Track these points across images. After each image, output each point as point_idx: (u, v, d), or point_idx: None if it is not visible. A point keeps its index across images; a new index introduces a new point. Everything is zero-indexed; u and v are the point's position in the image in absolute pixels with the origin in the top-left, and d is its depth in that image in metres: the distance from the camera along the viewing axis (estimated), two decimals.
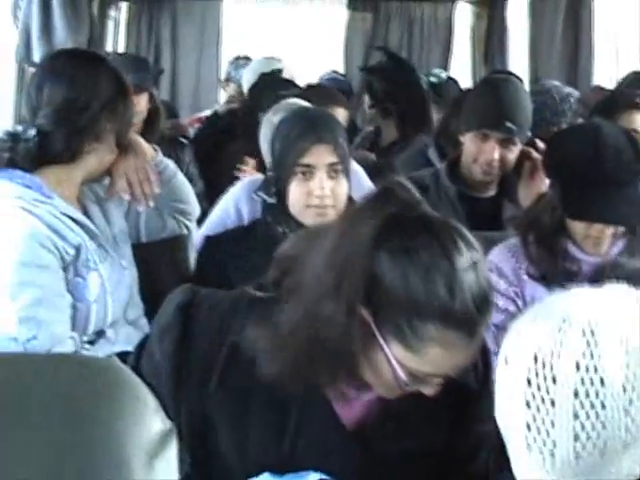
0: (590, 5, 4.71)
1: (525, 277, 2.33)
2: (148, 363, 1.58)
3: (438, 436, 1.59)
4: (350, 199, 2.32)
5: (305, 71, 5.76)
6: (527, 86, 4.79)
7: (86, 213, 2.28)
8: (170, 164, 2.53)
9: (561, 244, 2.30)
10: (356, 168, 2.73)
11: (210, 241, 2.56)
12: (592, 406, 1.12)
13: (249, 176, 3.23)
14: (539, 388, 1.14)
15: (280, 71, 4.33)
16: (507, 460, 1.24)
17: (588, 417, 1.12)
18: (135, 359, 1.62)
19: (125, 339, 2.27)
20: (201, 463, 1.55)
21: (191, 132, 4.74)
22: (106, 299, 2.21)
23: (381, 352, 1.42)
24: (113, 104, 2.18)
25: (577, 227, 2.27)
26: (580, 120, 3.47)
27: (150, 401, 0.86)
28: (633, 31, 5.21)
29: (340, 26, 6.47)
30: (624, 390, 1.13)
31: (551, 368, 1.14)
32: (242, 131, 4.15)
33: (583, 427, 1.12)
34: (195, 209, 2.65)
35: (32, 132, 2.10)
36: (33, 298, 2.04)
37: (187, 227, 2.64)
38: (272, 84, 3.96)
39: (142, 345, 1.63)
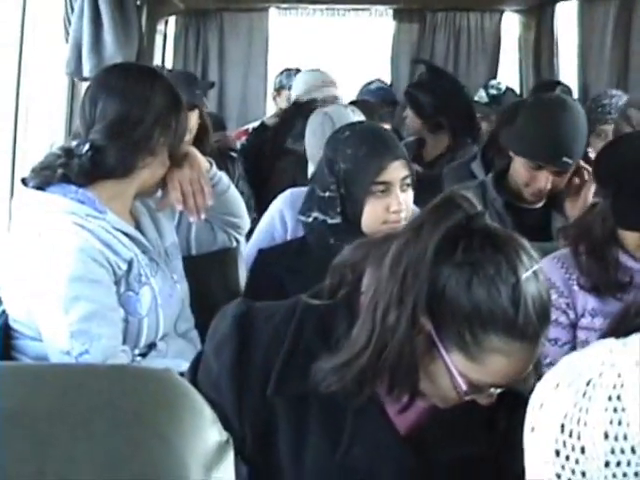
0: None
1: (576, 288, 2.31)
2: (206, 378, 1.58)
3: (491, 443, 1.59)
4: None
5: (352, 83, 5.77)
6: (576, 95, 4.79)
7: (138, 227, 2.29)
8: (224, 177, 2.54)
9: (612, 254, 2.27)
10: (415, 208, 2.69)
11: (264, 254, 2.56)
12: (625, 475, 1.08)
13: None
14: (568, 459, 1.11)
15: (315, 100, 4.29)
16: None
17: None
18: (191, 375, 1.62)
19: (176, 351, 2.28)
20: (262, 475, 1.56)
21: (238, 145, 4.77)
22: (158, 312, 2.22)
23: (441, 362, 1.43)
24: (166, 118, 2.18)
25: (629, 237, 2.25)
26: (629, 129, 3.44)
27: (207, 413, 0.87)
28: None
29: (387, 37, 6.46)
30: None
31: (579, 437, 1.10)
32: (270, 152, 4.18)
33: None
34: (246, 223, 2.65)
35: (86, 147, 2.10)
36: (85, 312, 2.04)
37: (237, 240, 2.66)
38: (305, 112, 3.94)
39: (197, 361, 1.63)
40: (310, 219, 2.43)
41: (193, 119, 3.63)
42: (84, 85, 3.55)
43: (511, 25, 6.21)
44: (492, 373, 1.43)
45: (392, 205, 2.32)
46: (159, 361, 2.21)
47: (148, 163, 2.18)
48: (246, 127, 5.11)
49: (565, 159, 2.79)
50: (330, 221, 2.39)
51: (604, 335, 1.10)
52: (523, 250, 1.43)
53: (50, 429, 0.82)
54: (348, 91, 4.54)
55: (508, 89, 4.92)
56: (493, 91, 4.47)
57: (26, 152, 3.26)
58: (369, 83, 5.68)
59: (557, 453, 1.08)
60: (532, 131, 2.87)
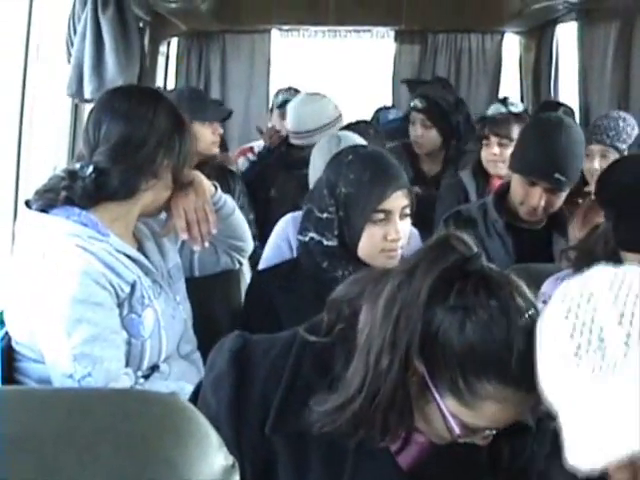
0: None
1: None
2: (204, 414, 1.57)
3: (495, 474, 1.58)
4: None
5: (353, 104, 5.78)
6: (577, 117, 4.80)
7: (141, 249, 2.29)
8: (229, 200, 2.54)
9: None
10: (414, 230, 2.70)
11: (259, 274, 2.58)
12: None
13: None
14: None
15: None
16: None
17: None
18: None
19: (178, 373, 2.28)
20: None
21: (243, 160, 4.83)
22: (160, 334, 2.22)
23: (435, 405, 1.42)
24: (169, 140, 2.18)
25: (631, 259, 2.25)
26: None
27: (213, 437, 0.87)
28: None
29: (388, 59, 6.49)
30: None
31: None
32: (273, 178, 4.21)
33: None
34: (250, 246, 2.66)
35: (89, 169, 2.11)
36: (88, 335, 2.03)
37: (240, 262, 2.66)
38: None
39: (196, 394, 1.62)
40: (307, 238, 2.43)
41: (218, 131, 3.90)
42: (87, 107, 3.56)
43: (512, 47, 6.24)
44: (486, 418, 1.41)
45: (390, 233, 2.32)
46: (161, 383, 2.21)
47: (151, 185, 2.18)
48: (250, 145, 5.12)
49: (557, 175, 2.83)
50: (326, 242, 2.39)
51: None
52: (519, 293, 1.40)
53: (56, 453, 0.82)
54: (349, 112, 4.54)
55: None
56: (514, 108, 4.44)
57: (29, 174, 3.26)
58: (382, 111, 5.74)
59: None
60: (527, 148, 2.94)
